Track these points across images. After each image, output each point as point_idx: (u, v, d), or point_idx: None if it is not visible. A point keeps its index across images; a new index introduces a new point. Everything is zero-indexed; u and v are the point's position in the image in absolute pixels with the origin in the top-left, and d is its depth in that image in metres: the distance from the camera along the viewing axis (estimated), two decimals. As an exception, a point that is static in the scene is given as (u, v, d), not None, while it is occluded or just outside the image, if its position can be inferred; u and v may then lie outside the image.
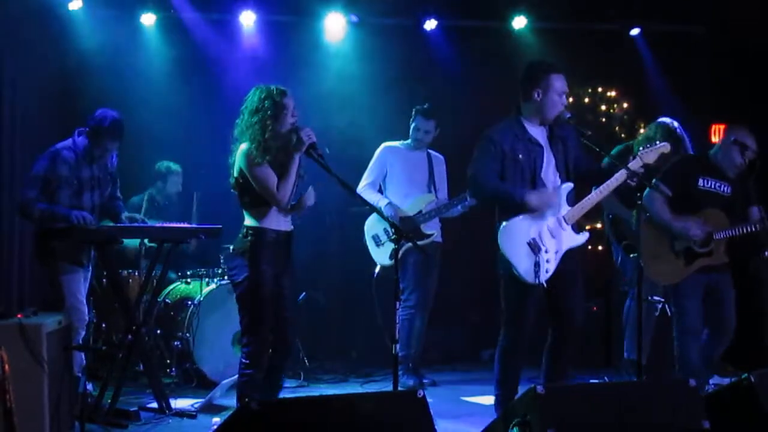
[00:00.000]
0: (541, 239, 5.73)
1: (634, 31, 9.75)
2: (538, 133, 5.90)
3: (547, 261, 5.73)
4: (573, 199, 5.90)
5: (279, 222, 5.54)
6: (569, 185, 5.89)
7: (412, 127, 8.05)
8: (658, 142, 7.46)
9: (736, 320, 6.84)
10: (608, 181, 5.83)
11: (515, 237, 5.73)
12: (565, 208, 5.84)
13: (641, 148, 5.93)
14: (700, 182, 6.77)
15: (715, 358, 6.98)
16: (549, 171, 5.89)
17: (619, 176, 5.79)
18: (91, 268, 6.84)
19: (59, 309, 6.31)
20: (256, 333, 5.49)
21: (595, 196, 5.89)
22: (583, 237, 5.89)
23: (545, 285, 5.68)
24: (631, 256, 7.39)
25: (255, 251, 5.47)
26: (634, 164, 5.80)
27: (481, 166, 5.78)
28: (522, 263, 5.70)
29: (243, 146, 5.51)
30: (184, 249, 8.57)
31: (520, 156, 5.80)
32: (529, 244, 5.71)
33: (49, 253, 6.55)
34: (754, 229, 6.67)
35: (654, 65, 9.67)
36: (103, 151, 6.68)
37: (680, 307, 6.80)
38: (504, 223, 5.77)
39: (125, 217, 6.82)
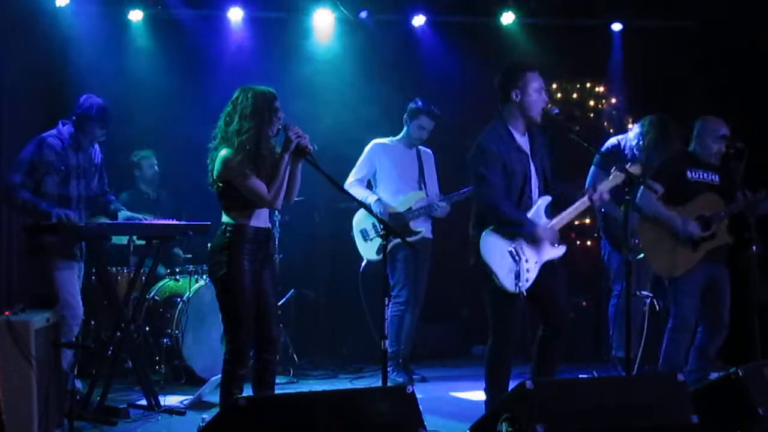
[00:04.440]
0: (522, 249, 5.73)
1: (618, 27, 9.76)
2: (522, 141, 5.87)
3: (527, 270, 5.71)
4: (550, 211, 5.91)
5: (258, 219, 5.52)
6: (547, 198, 5.89)
7: (413, 124, 8.03)
8: (651, 136, 7.58)
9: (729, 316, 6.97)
10: (576, 204, 5.87)
11: (496, 245, 5.72)
12: (543, 221, 5.83)
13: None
14: (689, 174, 6.95)
15: (710, 353, 7.03)
16: (533, 182, 5.88)
17: (584, 203, 5.87)
18: (83, 263, 6.83)
19: (50, 305, 6.30)
20: (237, 329, 5.46)
21: (570, 214, 5.89)
22: (561, 250, 5.87)
23: (524, 294, 5.68)
24: (639, 257, 7.44)
25: (234, 248, 5.43)
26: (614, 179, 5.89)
27: (496, 191, 5.70)
28: (503, 271, 5.68)
29: (223, 153, 5.42)
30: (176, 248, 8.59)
31: (515, 167, 5.77)
32: (510, 252, 5.71)
33: (41, 249, 6.53)
34: (743, 205, 6.84)
35: (637, 60, 9.69)
36: (92, 138, 6.65)
37: (678, 301, 6.91)
38: (486, 231, 5.75)
39: (123, 217, 6.79)
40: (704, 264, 6.88)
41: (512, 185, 5.77)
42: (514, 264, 5.68)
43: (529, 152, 5.86)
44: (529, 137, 5.90)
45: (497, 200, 5.70)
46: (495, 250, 5.71)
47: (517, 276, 5.65)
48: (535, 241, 5.73)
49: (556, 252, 5.86)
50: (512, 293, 5.66)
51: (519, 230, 5.69)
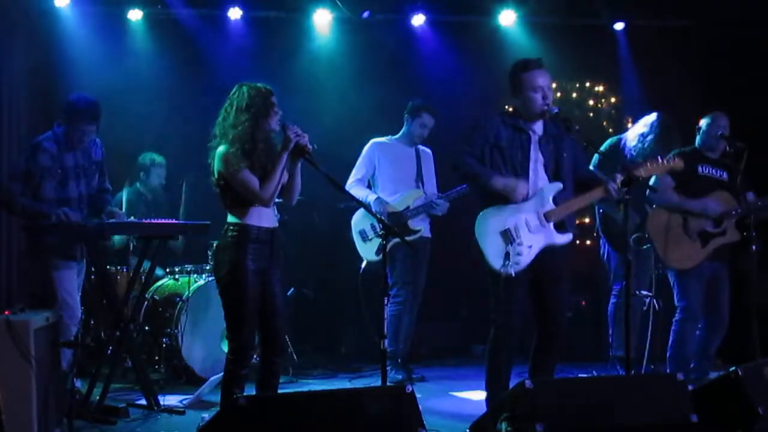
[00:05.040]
0: (517, 231, 5.75)
1: (618, 26, 9.77)
2: (531, 125, 5.91)
3: (519, 254, 5.72)
4: (562, 199, 5.90)
5: (261, 219, 5.50)
6: (557, 185, 5.89)
7: (414, 123, 8.02)
8: (651, 137, 7.58)
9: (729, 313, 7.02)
10: (592, 192, 5.88)
11: (490, 224, 5.78)
12: (548, 207, 5.84)
13: (656, 160, 5.96)
14: (700, 169, 7.11)
15: (710, 352, 7.06)
16: (537, 166, 5.89)
17: (599, 192, 5.88)
18: (83, 263, 6.81)
19: (50, 305, 6.29)
20: (240, 329, 5.46)
21: (580, 201, 5.92)
22: (566, 237, 5.87)
23: (512, 275, 5.69)
24: (644, 247, 7.46)
25: (237, 247, 5.43)
26: (637, 171, 5.85)
27: (462, 148, 5.86)
28: (491, 250, 5.74)
29: (220, 149, 5.43)
30: (171, 246, 8.55)
31: (503, 143, 5.83)
32: (502, 233, 5.74)
33: (41, 249, 6.51)
34: (753, 207, 6.91)
35: (629, 60, 9.70)
36: (81, 134, 6.56)
37: (686, 292, 7.02)
38: (484, 211, 5.83)
39: (106, 213, 6.77)
40: (709, 261, 6.94)
41: (499, 160, 5.83)
42: (504, 244, 5.72)
43: (535, 137, 5.89)
44: (546, 124, 5.94)
45: (460, 158, 5.84)
46: (488, 227, 5.79)
47: (507, 257, 5.68)
48: (510, 194, 5.76)
49: (559, 238, 5.85)
50: (506, 276, 5.68)
51: (484, 183, 5.77)
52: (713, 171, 7.10)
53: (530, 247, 5.77)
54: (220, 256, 5.55)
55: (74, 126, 6.53)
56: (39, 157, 6.47)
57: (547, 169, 5.90)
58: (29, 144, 6.63)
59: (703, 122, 7.16)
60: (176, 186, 8.82)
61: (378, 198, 7.87)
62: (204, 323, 7.81)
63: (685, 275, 6.99)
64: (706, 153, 7.13)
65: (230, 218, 5.52)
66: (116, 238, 8.36)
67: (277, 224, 5.64)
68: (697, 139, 7.18)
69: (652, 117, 7.72)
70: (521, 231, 5.76)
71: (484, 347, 6.02)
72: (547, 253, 5.83)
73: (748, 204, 6.94)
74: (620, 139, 7.95)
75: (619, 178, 5.80)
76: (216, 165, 5.46)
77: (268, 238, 5.54)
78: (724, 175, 7.10)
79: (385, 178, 8.03)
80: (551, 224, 5.82)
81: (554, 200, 5.86)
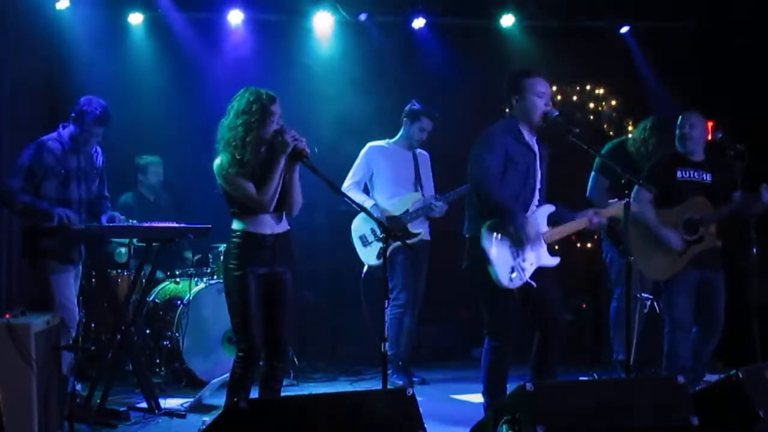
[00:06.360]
0: (522, 247, 5.77)
1: (624, 29, 9.77)
2: (531, 141, 5.92)
3: (523, 270, 5.76)
4: (552, 220, 5.97)
5: (262, 225, 5.48)
6: (551, 207, 5.94)
7: (413, 127, 8.01)
8: (652, 140, 7.57)
9: (724, 318, 6.93)
10: (576, 221, 5.99)
11: (500, 237, 5.75)
12: (544, 227, 5.88)
13: None
14: (679, 174, 6.91)
15: (705, 355, 7.02)
16: (537, 182, 5.93)
17: (582, 223, 5.98)
18: (81, 266, 6.81)
19: (48, 309, 6.28)
20: (245, 334, 5.47)
21: (573, 227, 6.00)
22: (555, 260, 5.93)
23: (515, 290, 5.72)
24: (631, 258, 7.44)
25: (239, 253, 5.44)
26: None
27: (489, 168, 5.74)
28: (500, 263, 5.71)
29: (217, 160, 5.45)
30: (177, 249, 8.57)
31: (519, 159, 5.81)
32: (510, 247, 5.74)
33: (37, 252, 6.50)
34: (735, 208, 6.83)
35: (643, 62, 9.71)
36: (88, 136, 6.58)
37: (671, 303, 6.88)
38: (489, 223, 5.74)
39: (107, 217, 6.76)
40: (695, 268, 6.84)
41: (514, 176, 5.80)
42: (511, 258, 5.71)
43: (537, 154, 5.91)
44: (538, 143, 5.96)
45: (489, 182, 5.72)
46: (497, 240, 5.73)
47: (513, 270, 5.69)
48: (519, 237, 5.71)
49: (550, 260, 5.91)
50: (505, 288, 5.70)
51: (508, 219, 5.69)
52: (695, 174, 6.91)
53: (532, 264, 5.80)
54: (224, 261, 5.66)
55: (83, 128, 6.55)
56: (43, 156, 6.47)
57: (540, 189, 5.95)
58: (33, 143, 6.63)
59: (679, 123, 6.98)
60: (176, 186, 8.84)
61: (374, 205, 7.85)
62: (205, 326, 7.81)
63: (670, 284, 6.89)
64: (687, 156, 6.95)
65: (234, 224, 5.53)
66: (121, 252, 8.35)
67: (282, 230, 5.58)
68: (675, 142, 7.08)
69: (650, 121, 7.71)
70: (525, 247, 5.78)
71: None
72: (538, 270, 5.88)
73: (732, 206, 6.87)
74: (621, 142, 7.94)
75: (603, 212, 6.03)
76: (216, 175, 5.48)
77: (271, 244, 5.52)
78: (708, 177, 6.91)
79: (383, 182, 8.02)
80: (545, 245, 5.86)
81: (547, 222, 5.92)
